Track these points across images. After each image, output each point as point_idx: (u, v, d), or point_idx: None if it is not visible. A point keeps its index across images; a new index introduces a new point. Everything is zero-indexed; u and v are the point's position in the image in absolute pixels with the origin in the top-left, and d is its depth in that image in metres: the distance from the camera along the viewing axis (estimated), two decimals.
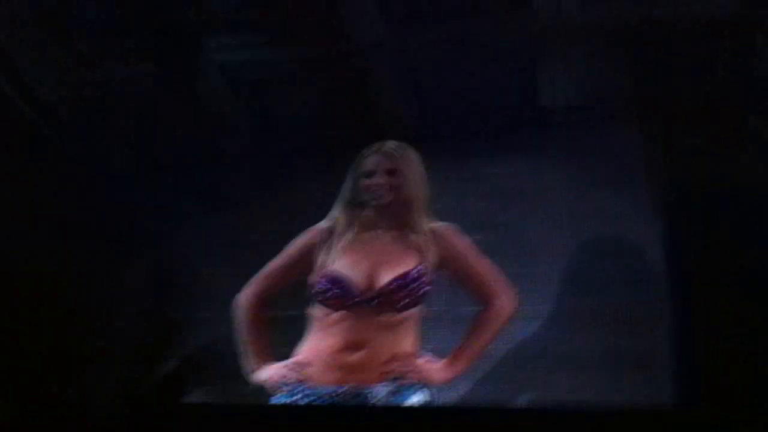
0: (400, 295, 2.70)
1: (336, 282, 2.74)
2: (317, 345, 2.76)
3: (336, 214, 2.88)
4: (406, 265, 2.74)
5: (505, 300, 2.77)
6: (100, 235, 3.87)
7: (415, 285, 2.71)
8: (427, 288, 2.74)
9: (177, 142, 4.11)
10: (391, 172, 2.80)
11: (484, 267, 2.80)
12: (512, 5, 3.58)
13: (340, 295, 2.73)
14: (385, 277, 2.72)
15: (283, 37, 3.81)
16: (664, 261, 3.36)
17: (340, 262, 2.77)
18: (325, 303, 2.75)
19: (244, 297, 2.90)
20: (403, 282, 2.71)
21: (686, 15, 3.41)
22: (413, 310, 2.74)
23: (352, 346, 2.69)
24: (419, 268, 2.73)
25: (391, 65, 3.78)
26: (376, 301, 2.71)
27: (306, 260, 2.83)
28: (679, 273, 3.27)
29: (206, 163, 4.03)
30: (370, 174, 2.82)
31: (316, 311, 2.77)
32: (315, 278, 2.78)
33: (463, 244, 2.82)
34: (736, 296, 3.23)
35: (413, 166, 2.85)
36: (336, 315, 2.74)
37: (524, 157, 3.72)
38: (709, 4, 3.38)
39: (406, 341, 2.74)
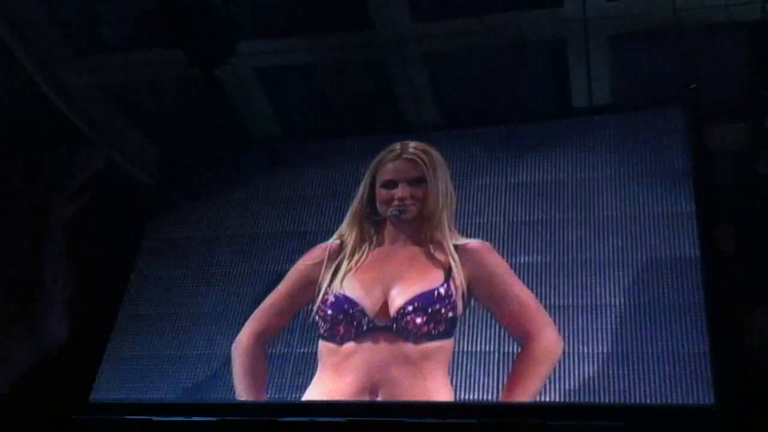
0: (421, 318, 2.29)
1: (344, 306, 2.34)
2: (325, 388, 2.36)
3: (346, 229, 2.54)
4: (429, 283, 2.35)
5: (551, 336, 2.38)
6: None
7: (438, 307, 2.31)
8: (454, 313, 2.33)
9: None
10: (415, 182, 2.48)
11: (523, 295, 2.42)
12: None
13: (349, 322, 2.33)
14: (404, 297, 2.32)
15: (306, 25, 3.75)
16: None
17: (350, 284, 2.39)
18: (333, 333, 2.36)
19: (244, 338, 2.55)
20: (424, 302, 2.31)
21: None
22: (439, 342, 2.31)
23: (366, 386, 2.28)
24: (444, 286, 2.34)
25: (412, 57, 3.71)
26: (393, 326, 2.30)
27: (311, 286, 2.48)
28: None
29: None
30: (390, 184, 2.49)
31: (323, 346, 2.38)
32: (320, 304, 2.41)
33: (498, 265, 2.46)
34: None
35: (439, 173, 2.52)
36: (346, 348, 2.33)
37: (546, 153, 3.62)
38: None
39: (434, 382, 2.30)
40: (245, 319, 2.83)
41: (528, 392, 2.29)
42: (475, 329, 2.52)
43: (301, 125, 4.00)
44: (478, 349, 2.53)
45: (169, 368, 3.16)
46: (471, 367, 2.47)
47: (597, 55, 3.47)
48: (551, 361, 2.31)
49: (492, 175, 3.41)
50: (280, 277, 2.80)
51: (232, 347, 2.60)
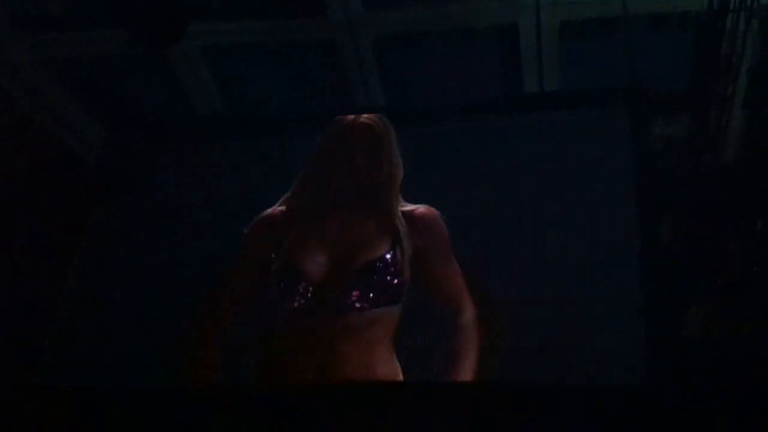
0: (367, 286, 2.22)
1: (288, 274, 2.25)
2: (268, 353, 2.33)
3: (294, 196, 2.42)
4: (375, 251, 2.26)
5: (471, 313, 2.37)
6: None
7: (384, 274, 2.24)
8: (400, 280, 2.26)
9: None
10: (366, 147, 2.37)
11: (456, 272, 2.38)
12: None
13: (293, 291, 2.23)
14: (350, 265, 2.24)
15: (258, 8, 3.73)
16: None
17: (296, 252, 2.28)
18: (281, 301, 2.26)
19: (201, 323, 2.43)
20: (371, 269, 2.23)
21: None
22: (385, 310, 2.25)
23: (312, 360, 2.21)
24: (390, 253, 2.26)
25: (364, 42, 3.70)
26: (338, 294, 2.22)
27: (266, 258, 2.33)
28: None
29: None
30: (341, 149, 2.39)
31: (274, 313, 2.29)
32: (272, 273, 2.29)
33: (443, 236, 2.38)
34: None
35: (391, 139, 2.43)
36: (292, 316, 2.25)
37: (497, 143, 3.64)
38: None
39: (379, 352, 2.26)
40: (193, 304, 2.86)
41: (473, 364, 2.33)
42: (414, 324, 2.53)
43: (249, 107, 3.96)
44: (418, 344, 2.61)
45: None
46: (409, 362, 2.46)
47: (548, 42, 3.49)
48: (480, 330, 2.36)
49: (436, 168, 3.47)
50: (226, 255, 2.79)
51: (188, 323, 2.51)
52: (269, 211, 2.43)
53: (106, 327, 3.33)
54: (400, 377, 2.32)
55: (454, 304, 2.38)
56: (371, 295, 2.22)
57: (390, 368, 2.30)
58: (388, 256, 2.25)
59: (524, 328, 3.25)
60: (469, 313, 2.38)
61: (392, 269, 2.24)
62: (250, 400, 2.31)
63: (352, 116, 2.47)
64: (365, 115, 2.46)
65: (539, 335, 3.22)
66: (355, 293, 2.22)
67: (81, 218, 3.65)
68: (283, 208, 2.41)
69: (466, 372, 2.34)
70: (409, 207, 2.40)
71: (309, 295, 2.23)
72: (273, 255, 2.32)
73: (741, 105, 3.39)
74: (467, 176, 3.39)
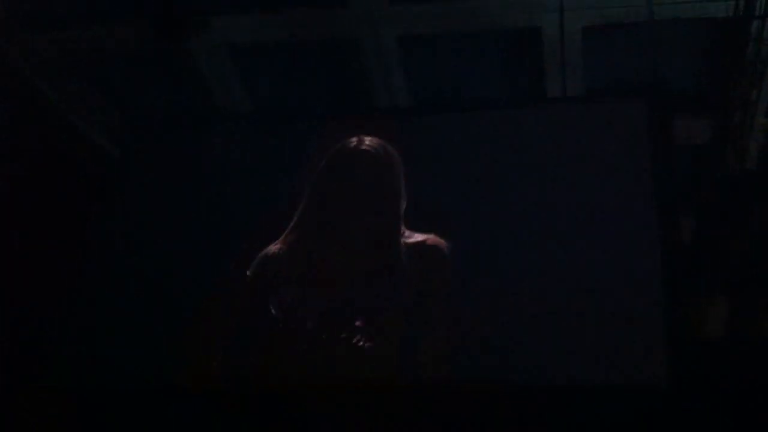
0: (370, 321, 2.20)
1: (292, 311, 2.25)
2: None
3: (294, 232, 2.37)
4: (379, 287, 2.25)
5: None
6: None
7: (389, 309, 2.23)
8: (403, 315, 2.24)
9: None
10: (368, 181, 2.34)
11: (445, 318, 2.31)
12: None
13: (298, 327, 2.23)
14: (353, 302, 2.23)
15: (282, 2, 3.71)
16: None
17: (299, 290, 2.27)
18: (285, 338, 2.24)
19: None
20: (374, 306, 2.23)
21: None
22: (388, 342, 2.24)
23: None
24: (395, 289, 2.25)
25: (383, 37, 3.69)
26: (343, 329, 2.20)
27: (268, 296, 2.31)
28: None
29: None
30: (342, 181, 2.35)
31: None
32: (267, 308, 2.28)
33: (444, 278, 2.33)
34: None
35: (394, 169, 2.37)
36: (295, 351, 2.24)
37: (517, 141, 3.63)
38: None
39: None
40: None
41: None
42: None
43: (271, 102, 3.95)
44: None
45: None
46: None
47: (571, 44, 3.49)
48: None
49: (455, 161, 3.46)
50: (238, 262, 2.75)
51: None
52: (271, 249, 2.39)
53: (106, 327, 3.33)
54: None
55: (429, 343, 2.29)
56: (375, 330, 2.20)
57: None
58: (391, 291, 2.24)
59: (538, 326, 3.27)
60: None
61: (395, 305, 2.24)
62: (249, 401, 2.31)
63: (354, 143, 2.39)
64: (368, 142, 2.39)
65: (554, 334, 3.23)
66: (358, 328, 2.19)
67: (85, 217, 3.65)
68: (284, 245, 2.38)
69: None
70: (417, 237, 2.35)
71: (313, 330, 2.21)
72: (275, 294, 2.29)
73: (764, 112, 3.40)
74: (489, 174, 3.39)
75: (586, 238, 3.34)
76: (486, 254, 3.07)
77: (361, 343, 2.19)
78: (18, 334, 3.32)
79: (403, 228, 2.37)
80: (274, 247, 2.39)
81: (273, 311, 2.29)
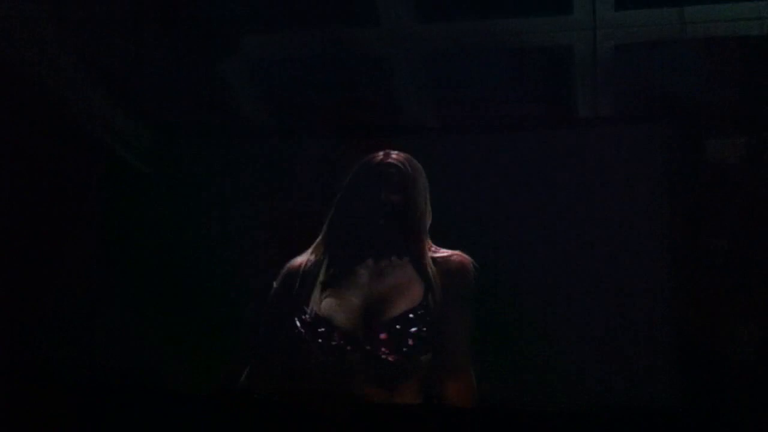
0: (398, 336, 2.16)
1: (318, 324, 2.21)
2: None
3: (322, 243, 2.37)
4: (408, 301, 2.21)
5: (467, 382, 2.24)
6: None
7: (417, 325, 2.18)
8: (432, 330, 2.19)
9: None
10: (395, 191, 2.30)
11: (465, 336, 2.25)
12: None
13: (324, 341, 2.19)
14: (381, 316, 2.19)
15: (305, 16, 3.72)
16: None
17: (323, 302, 2.24)
18: (306, 354, 2.22)
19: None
20: (402, 321, 2.17)
21: None
22: (416, 359, 2.19)
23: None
24: (423, 305, 2.20)
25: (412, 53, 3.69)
26: (369, 347, 2.17)
27: (295, 306, 2.28)
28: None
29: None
30: (369, 192, 2.32)
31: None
32: (293, 323, 2.26)
33: (467, 295, 2.28)
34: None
35: (420, 182, 2.35)
36: (321, 364, 2.21)
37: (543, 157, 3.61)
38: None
39: (407, 399, 2.20)
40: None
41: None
42: None
43: (299, 119, 3.96)
44: None
45: None
46: None
47: (603, 63, 3.47)
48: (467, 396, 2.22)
49: (486, 182, 3.45)
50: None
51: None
52: (298, 259, 2.39)
53: (106, 327, 3.35)
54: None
55: (451, 365, 2.25)
56: (402, 345, 2.16)
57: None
58: (419, 306, 2.21)
59: (555, 346, 3.26)
60: (463, 381, 2.25)
61: (424, 320, 2.19)
62: (271, 410, 2.31)
63: (380, 156, 2.38)
64: (394, 156, 2.38)
65: (568, 355, 3.22)
66: (385, 343, 2.16)
67: (91, 215, 3.67)
68: (311, 257, 2.37)
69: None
70: (442, 253, 2.32)
71: (340, 345, 2.19)
72: (303, 304, 2.27)
73: None
74: (517, 192, 3.39)
75: (615, 259, 3.33)
76: (511, 273, 3.07)
77: (385, 356, 2.17)
78: (18, 334, 3.33)
79: (429, 242, 2.36)
80: (300, 259, 2.39)
81: (298, 323, 2.27)
